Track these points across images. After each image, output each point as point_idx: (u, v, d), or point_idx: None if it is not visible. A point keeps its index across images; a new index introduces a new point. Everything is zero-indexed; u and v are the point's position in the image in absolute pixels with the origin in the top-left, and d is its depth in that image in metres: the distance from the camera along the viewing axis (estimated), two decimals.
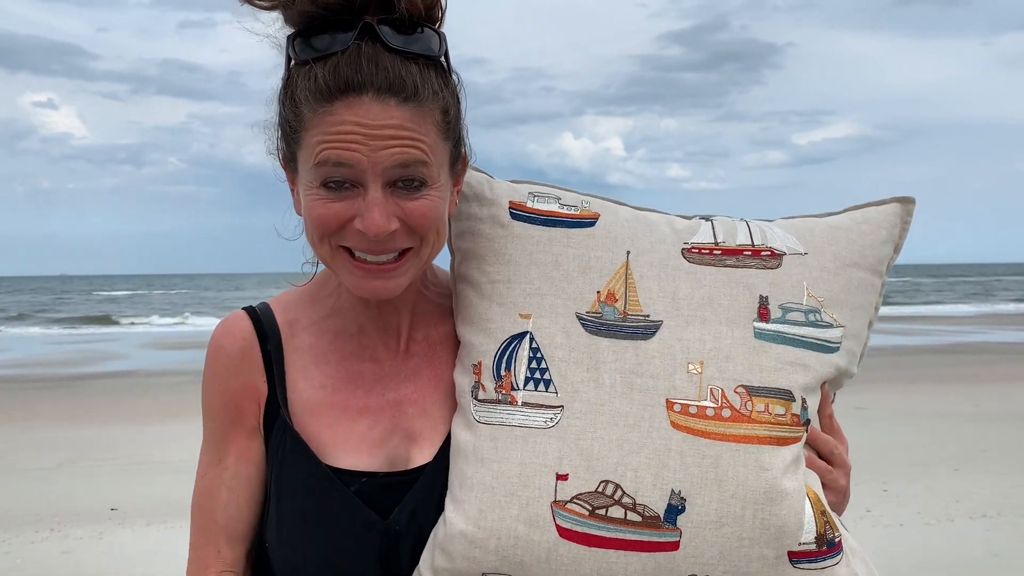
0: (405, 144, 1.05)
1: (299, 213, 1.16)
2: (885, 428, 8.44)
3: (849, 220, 1.19)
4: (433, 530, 1.12)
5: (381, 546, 1.12)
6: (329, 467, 1.14)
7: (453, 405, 1.18)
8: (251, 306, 1.25)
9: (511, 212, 1.16)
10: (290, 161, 1.14)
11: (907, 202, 1.21)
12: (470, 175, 1.20)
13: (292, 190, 1.17)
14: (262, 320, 1.22)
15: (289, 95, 1.09)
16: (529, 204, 1.16)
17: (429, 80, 1.08)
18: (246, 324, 1.22)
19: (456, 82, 1.13)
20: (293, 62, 1.09)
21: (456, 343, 1.22)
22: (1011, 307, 32.31)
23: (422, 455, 1.16)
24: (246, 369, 1.20)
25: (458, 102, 1.13)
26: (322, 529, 1.13)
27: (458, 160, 1.16)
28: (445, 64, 1.12)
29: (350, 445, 1.16)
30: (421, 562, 1.12)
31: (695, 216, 1.20)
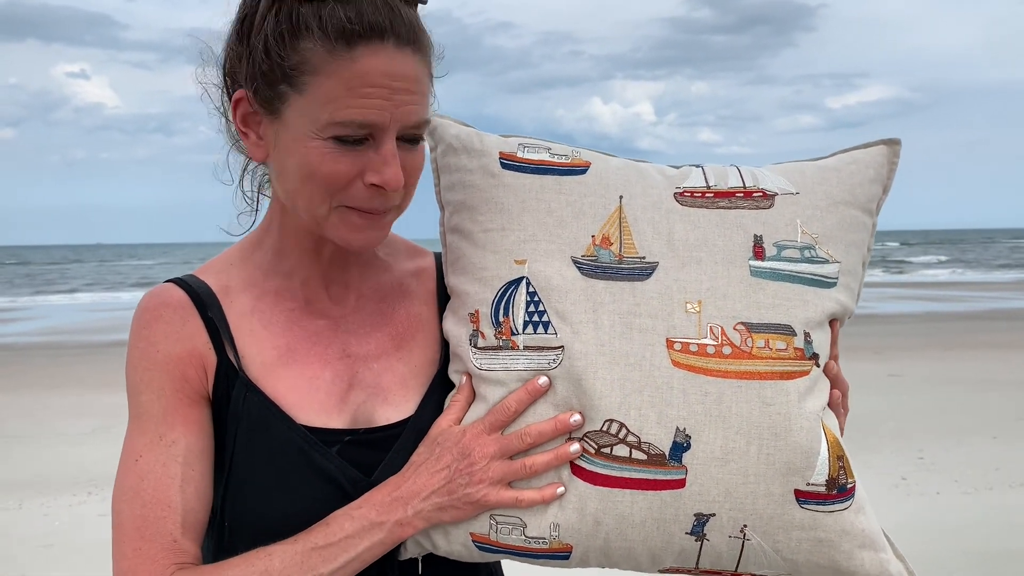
0: (417, 101, 1.02)
1: (258, 159, 1.09)
2: (920, 395, 8.33)
3: (837, 162, 1.20)
4: None
5: None
6: (304, 427, 1.08)
7: (418, 360, 1.17)
8: (176, 277, 1.14)
9: (501, 162, 1.14)
10: (270, 102, 1.03)
11: (893, 143, 1.20)
12: (459, 129, 1.17)
13: (246, 134, 1.07)
14: (195, 288, 1.11)
15: (282, 30, 0.99)
16: (519, 154, 1.15)
17: (424, 27, 1.03)
18: (179, 292, 1.11)
19: None
20: None
21: (404, 291, 1.21)
22: None
23: (388, 412, 1.12)
24: (188, 336, 1.08)
25: None
26: (304, 489, 1.06)
27: None
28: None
29: (316, 403, 1.10)
30: None
31: (685, 165, 1.21)
